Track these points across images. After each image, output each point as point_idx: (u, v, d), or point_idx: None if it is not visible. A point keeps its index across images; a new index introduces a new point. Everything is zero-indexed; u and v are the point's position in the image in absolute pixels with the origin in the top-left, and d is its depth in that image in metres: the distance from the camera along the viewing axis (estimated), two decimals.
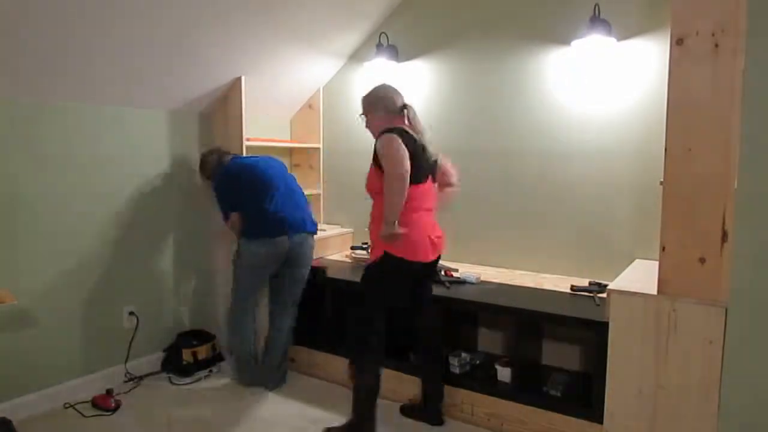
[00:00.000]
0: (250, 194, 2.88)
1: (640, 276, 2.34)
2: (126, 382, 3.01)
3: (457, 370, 2.69)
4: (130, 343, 3.06)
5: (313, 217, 3.10)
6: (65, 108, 2.72)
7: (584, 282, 2.76)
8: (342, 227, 3.78)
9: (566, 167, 2.93)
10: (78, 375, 2.86)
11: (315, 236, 3.09)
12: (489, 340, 3.06)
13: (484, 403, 2.59)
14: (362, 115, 2.58)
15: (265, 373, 2.97)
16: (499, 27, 3.08)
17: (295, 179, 3.12)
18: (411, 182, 2.28)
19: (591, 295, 2.59)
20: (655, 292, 2.06)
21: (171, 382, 3.05)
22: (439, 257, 2.54)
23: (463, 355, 2.73)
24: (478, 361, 2.84)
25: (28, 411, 2.64)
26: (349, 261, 3.42)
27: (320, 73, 3.66)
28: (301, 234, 2.95)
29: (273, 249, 2.86)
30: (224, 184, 2.94)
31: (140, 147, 3.06)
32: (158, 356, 3.20)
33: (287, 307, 3.00)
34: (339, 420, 2.63)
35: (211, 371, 3.18)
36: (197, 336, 3.21)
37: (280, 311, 3.00)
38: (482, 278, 2.90)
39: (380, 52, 3.37)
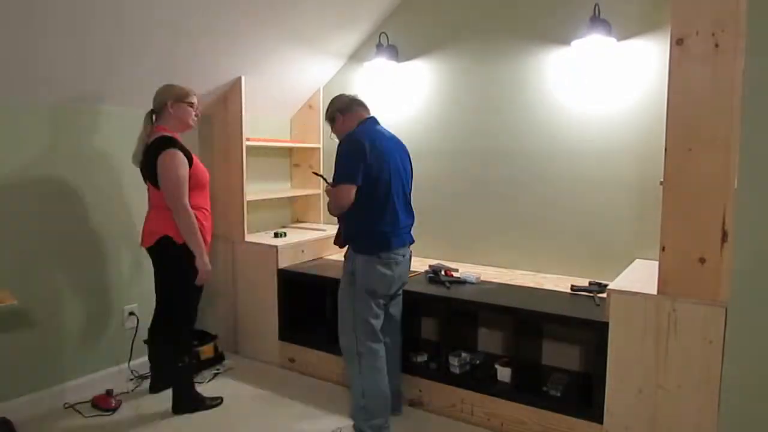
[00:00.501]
0: None
1: (640, 276, 2.34)
2: (131, 380, 3.02)
3: (457, 370, 2.69)
4: (133, 342, 3.06)
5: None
6: (65, 109, 2.72)
7: (584, 282, 2.76)
8: None
9: (566, 167, 2.93)
10: (78, 375, 2.86)
11: None
12: (489, 340, 3.06)
13: (483, 403, 2.59)
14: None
15: None
16: (499, 27, 3.08)
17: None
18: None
19: (591, 295, 2.59)
20: (655, 292, 2.06)
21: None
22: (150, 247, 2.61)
23: (463, 355, 2.72)
24: (478, 361, 2.84)
25: (28, 411, 2.64)
26: None
27: (320, 73, 3.66)
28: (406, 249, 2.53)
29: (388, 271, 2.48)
30: None
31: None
32: None
33: None
34: (338, 419, 2.64)
35: (219, 371, 3.18)
36: (198, 336, 3.21)
37: None
38: (482, 278, 2.90)
39: (380, 52, 3.37)
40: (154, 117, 2.59)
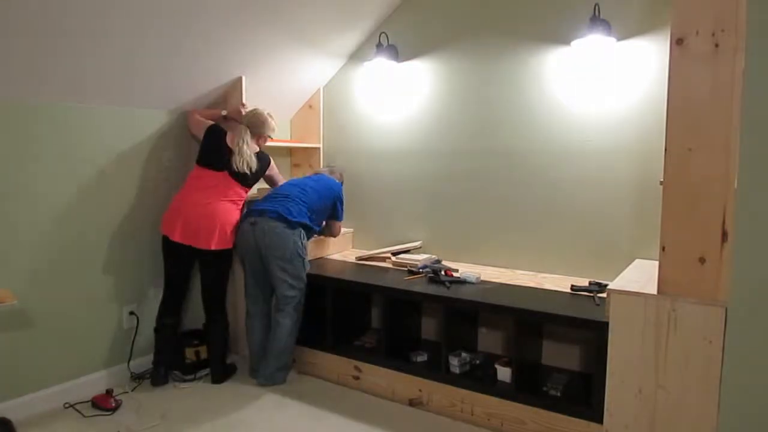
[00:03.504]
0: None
1: (640, 276, 2.34)
2: (132, 379, 3.02)
3: (457, 370, 2.69)
4: (133, 342, 3.06)
5: (305, 213, 3.02)
6: (65, 108, 2.72)
7: (584, 282, 2.76)
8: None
9: (566, 167, 2.93)
10: (78, 375, 2.86)
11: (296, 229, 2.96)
12: (489, 340, 3.06)
13: (484, 403, 2.59)
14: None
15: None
16: (499, 27, 3.08)
17: (322, 188, 3.20)
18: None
19: (591, 295, 2.59)
20: (655, 292, 2.06)
21: (173, 381, 3.05)
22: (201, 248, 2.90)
23: (463, 355, 2.73)
24: (478, 361, 2.84)
25: (28, 411, 2.64)
26: (353, 261, 3.43)
27: (320, 73, 3.66)
28: (263, 218, 2.93)
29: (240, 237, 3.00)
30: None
31: (141, 147, 3.06)
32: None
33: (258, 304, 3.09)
34: (337, 419, 2.64)
35: None
36: (198, 335, 3.20)
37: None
38: (482, 278, 2.90)
39: (380, 52, 3.37)
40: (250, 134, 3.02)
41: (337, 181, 3.36)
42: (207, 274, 3.02)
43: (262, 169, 3.07)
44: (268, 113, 3.09)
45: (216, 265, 2.99)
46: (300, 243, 2.96)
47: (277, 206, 2.96)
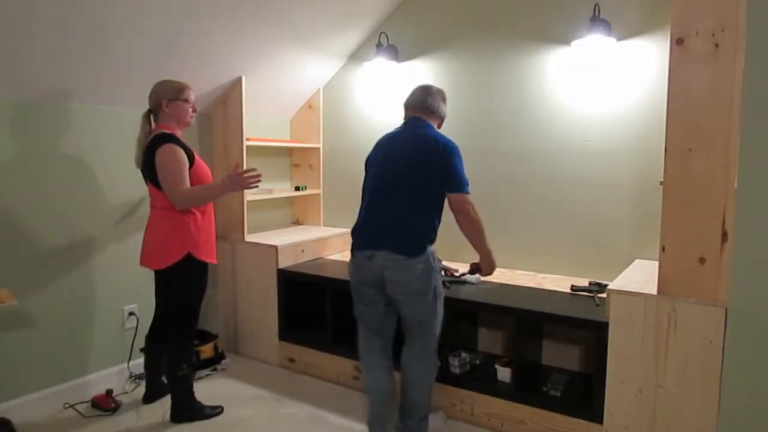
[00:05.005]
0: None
1: (640, 276, 2.34)
2: (133, 378, 3.01)
3: (457, 370, 2.69)
4: (133, 342, 3.06)
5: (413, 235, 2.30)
6: (64, 108, 2.72)
7: (584, 282, 2.76)
8: (342, 227, 3.77)
9: (566, 167, 2.93)
10: (78, 375, 2.86)
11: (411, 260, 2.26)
12: (489, 340, 3.06)
13: (484, 403, 2.59)
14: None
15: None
16: (499, 27, 3.08)
17: (423, 167, 2.28)
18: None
19: (591, 295, 2.59)
20: (655, 292, 2.06)
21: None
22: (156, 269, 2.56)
23: (463, 355, 2.73)
24: (478, 361, 2.84)
25: (28, 411, 2.64)
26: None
27: (320, 73, 3.66)
28: (373, 251, 2.28)
29: (352, 268, 2.38)
30: None
31: None
32: None
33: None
34: (337, 419, 2.64)
35: (215, 369, 3.18)
36: (199, 335, 3.21)
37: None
38: (482, 278, 2.90)
39: (380, 52, 3.37)
40: (151, 117, 2.52)
41: (436, 130, 2.44)
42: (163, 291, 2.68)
43: (147, 158, 2.42)
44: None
45: (166, 283, 2.58)
46: (431, 270, 2.34)
47: (391, 228, 2.28)
